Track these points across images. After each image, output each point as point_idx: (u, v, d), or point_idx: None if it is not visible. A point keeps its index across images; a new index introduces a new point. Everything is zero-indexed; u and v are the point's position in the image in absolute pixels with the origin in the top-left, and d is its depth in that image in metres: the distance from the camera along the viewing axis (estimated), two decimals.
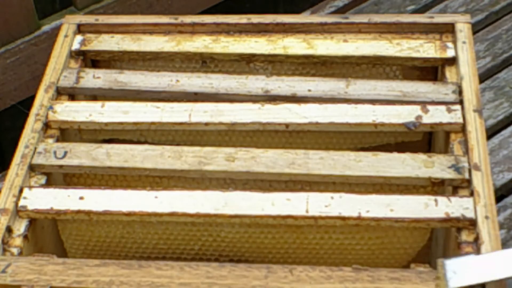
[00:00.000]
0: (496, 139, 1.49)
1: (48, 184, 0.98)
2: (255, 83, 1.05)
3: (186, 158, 0.96)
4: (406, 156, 0.94)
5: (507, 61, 1.69)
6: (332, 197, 0.91)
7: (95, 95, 1.10)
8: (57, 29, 1.20)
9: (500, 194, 1.41)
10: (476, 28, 1.69)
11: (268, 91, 1.04)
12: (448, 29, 1.10)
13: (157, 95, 1.06)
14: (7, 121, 1.63)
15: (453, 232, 0.90)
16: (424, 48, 1.08)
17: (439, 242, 1.03)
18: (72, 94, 1.08)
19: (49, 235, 0.98)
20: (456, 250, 0.87)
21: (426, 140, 1.11)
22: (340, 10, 1.72)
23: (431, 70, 1.10)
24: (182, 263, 0.86)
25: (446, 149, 1.00)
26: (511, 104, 1.57)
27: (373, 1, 1.75)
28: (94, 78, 1.08)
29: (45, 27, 1.57)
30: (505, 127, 1.53)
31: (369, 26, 1.11)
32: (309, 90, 1.04)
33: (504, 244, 1.31)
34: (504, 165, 1.43)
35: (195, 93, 1.05)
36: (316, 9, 1.72)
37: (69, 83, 1.07)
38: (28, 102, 1.04)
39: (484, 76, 1.65)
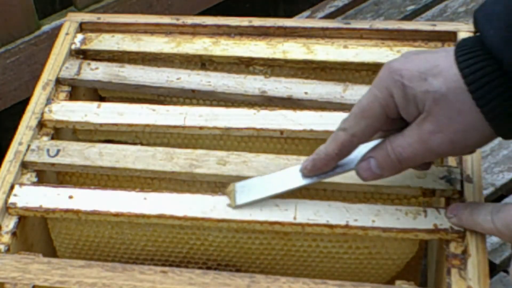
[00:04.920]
0: (496, 139, 1.47)
1: (42, 182, 0.98)
2: (253, 83, 1.05)
3: (177, 160, 0.96)
4: None
5: None
6: (321, 205, 0.90)
7: (95, 87, 1.10)
8: (57, 29, 1.20)
9: (500, 194, 1.40)
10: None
11: (265, 92, 1.04)
12: (451, 38, 1.09)
13: (155, 90, 1.07)
14: (7, 121, 1.63)
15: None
16: None
17: (432, 255, 1.02)
18: (72, 85, 1.08)
19: (39, 233, 0.98)
20: (445, 263, 0.87)
21: None
22: (340, 10, 1.71)
23: None
24: (167, 268, 0.85)
25: (442, 159, 0.99)
26: None
27: (373, 1, 1.73)
28: (95, 71, 1.08)
29: (45, 27, 1.56)
30: None
31: (370, 32, 1.10)
32: (306, 93, 1.03)
33: (503, 245, 1.30)
34: (504, 165, 1.41)
35: (193, 90, 1.06)
36: (316, 9, 1.71)
37: (70, 74, 1.08)
38: (28, 102, 1.04)
39: None
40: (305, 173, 0.87)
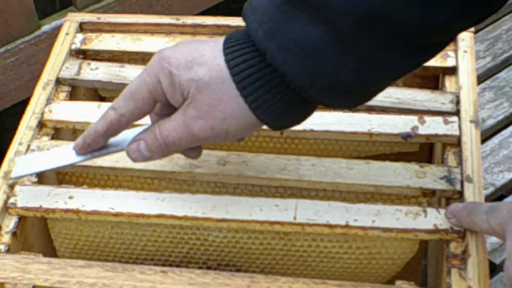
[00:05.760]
0: (496, 139, 1.48)
1: (42, 182, 0.98)
2: None
3: (177, 160, 0.96)
4: (399, 166, 0.94)
5: (507, 61, 1.67)
6: (321, 205, 0.90)
7: (95, 87, 1.10)
8: (57, 29, 1.20)
9: (500, 194, 1.40)
10: (476, 28, 1.68)
11: None
12: None
13: None
14: (7, 122, 1.63)
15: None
16: None
17: (432, 255, 1.02)
18: (72, 85, 1.08)
19: (39, 233, 0.98)
20: (445, 263, 0.87)
21: (427, 149, 1.10)
22: None
23: (432, 79, 1.09)
24: (167, 268, 0.85)
25: (442, 159, 0.99)
26: (511, 104, 1.56)
27: None
28: (95, 71, 1.08)
29: (45, 27, 1.57)
30: (505, 127, 1.52)
31: None
32: None
33: (503, 245, 1.30)
34: (504, 165, 1.42)
35: None
36: None
37: (70, 74, 1.08)
38: (28, 102, 1.04)
39: (484, 76, 1.64)
40: (77, 150, 0.89)
